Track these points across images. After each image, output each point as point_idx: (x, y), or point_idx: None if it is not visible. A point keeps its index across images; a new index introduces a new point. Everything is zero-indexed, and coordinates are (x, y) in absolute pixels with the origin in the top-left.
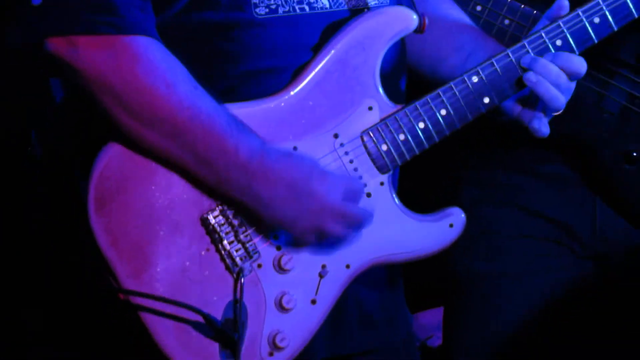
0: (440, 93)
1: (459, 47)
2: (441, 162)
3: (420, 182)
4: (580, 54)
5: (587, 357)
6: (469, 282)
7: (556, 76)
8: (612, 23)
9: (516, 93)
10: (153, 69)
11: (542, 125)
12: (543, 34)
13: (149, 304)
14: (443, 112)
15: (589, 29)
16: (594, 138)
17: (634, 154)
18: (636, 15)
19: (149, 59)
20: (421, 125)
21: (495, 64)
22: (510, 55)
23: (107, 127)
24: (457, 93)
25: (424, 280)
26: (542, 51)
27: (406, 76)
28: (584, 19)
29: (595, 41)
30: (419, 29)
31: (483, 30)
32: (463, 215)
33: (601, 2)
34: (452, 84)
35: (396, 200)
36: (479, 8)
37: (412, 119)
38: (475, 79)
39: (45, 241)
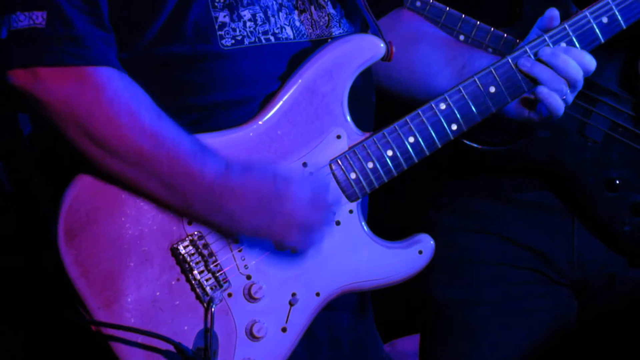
0: (408, 120)
1: (452, 58)
2: (420, 190)
3: (398, 209)
4: None
5: None
6: (446, 309)
7: (575, 71)
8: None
9: (484, 118)
10: (116, 98)
11: (559, 107)
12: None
13: (120, 334)
14: (411, 139)
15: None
16: (576, 166)
17: (617, 182)
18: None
19: (113, 88)
20: (389, 152)
21: (462, 90)
22: (477, 81)
23: (76, 159)
24: (424, 120)
25: (402, 307)
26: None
27: (374, 105)
28: (550, 43)
29: None
30: (387, 57)
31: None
32: (432, 242)
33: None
34: (419, 111)
35: (365, 227)
36: (462, 37)
37: (380, 147)
38: (443, 106)
39: (16, 274)
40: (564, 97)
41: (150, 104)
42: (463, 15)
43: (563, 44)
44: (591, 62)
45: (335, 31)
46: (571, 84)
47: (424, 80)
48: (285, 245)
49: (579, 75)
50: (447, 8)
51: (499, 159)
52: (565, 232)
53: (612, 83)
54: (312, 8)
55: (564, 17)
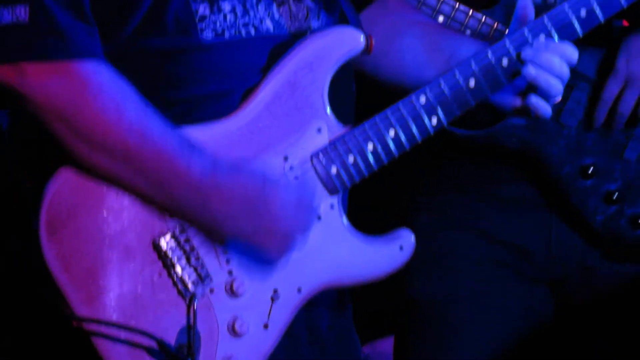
0: (389, 114)
1: (438, 48)
2: (397, 187)
3: (375, 206)
4: None
5: None
6: (423, 307)
7: (559, 67)
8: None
9: (464, 112)
10: (102, 93)
11: (546, 109)
12: (489, 52)
13: (102, 330)
14: (391, 133)
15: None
16: (551, 152)
17: (590, 169)
18: (580, 33)
19: (99, 82)
20: (370, 146)
21: (442, 84)
22: (457, 74)
23: (57, 153)
24: (404, 114)
25: (383, 307)
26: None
27: (354, 97)
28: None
29: None
30: (367, 50)
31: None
32: (413, 237)
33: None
34: (399, 104)
35: (345, 222)
36: (441, 18)
37: (360, 141)
38: (423, 99)
39: None
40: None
41: (136, 97)
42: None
43: (542, 37)
44: (573, 53)
45: (314, 24)
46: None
47: (413, 70)
48: (265, 254)
49: (563, 69)
50: None
51: (476, 145)
52: (543, 227)
53: (590, 70)
54: (291, 0)
55: (544, 4)
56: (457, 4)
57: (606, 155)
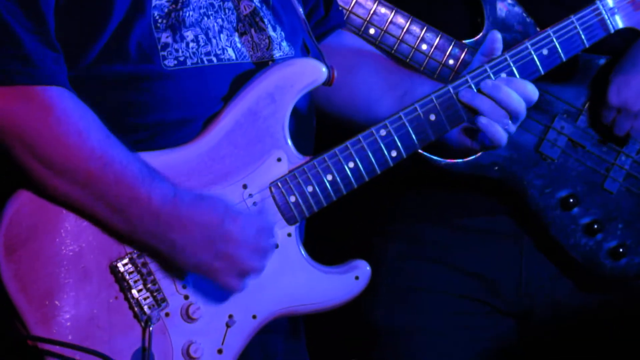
0: (349, 145)
1: (393, 83)
2: (367, 216)
3: (336, 233)
4: None
5: None
6: (388, 336)
7: (517, 103)
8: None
9: (424, 145)
10: (65, 118)
11: (501, 137)
12: (450, 88)
13: (57, 350)
14: (351, 164)
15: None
16: (531, 183)
17: (570, 200)
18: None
19: (62, 108)
20: (329, 177)
21: (402, 117)
22: (418, 109)
23: (18, 175)
24: (365, 146)
25: (339, 334)
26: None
27: (314, 128)
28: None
29: None
30: (328, 82)
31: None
32: (368, 268)
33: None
34: (360, 136)
35: (302, 251)
36: (425, 47)
37: (320, 171)
38: (383, 132)
39: None
40: (506, 127)
41: (99, 124)
42: (425, 27)
43: (503, 75)
44: (534, 93)
45: (276, 54)
46: (513, 116)
47: (365, 105)
48: (222, 284)
49: (521, 106)
50: (408, 21)
51: (455, 175)
52: (513, 259)
53: (572, 99)
54: (252, 30)
55: (525, 38)
56: (441, 33)
57: (587, 186)
